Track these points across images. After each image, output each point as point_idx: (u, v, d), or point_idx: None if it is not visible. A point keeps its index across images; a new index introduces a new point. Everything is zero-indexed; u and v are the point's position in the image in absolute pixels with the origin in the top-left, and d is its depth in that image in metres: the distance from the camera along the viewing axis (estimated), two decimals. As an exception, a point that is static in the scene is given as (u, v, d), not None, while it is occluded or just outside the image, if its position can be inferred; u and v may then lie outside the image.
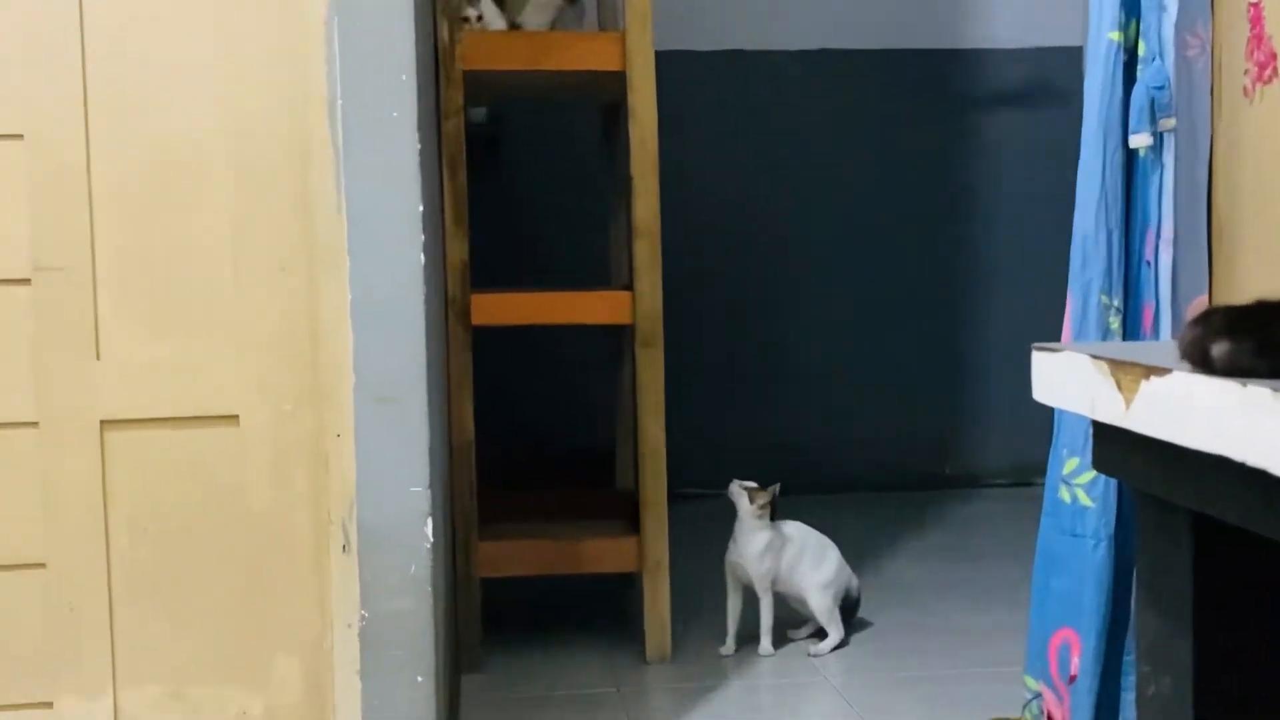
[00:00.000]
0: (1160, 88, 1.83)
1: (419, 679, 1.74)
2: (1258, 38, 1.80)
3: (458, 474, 2.55)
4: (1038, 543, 1.98)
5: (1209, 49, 1.87)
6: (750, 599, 2.66)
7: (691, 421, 3.58)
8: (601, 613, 2.95)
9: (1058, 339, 1.91)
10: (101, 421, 1.72)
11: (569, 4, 2.72)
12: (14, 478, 1.71)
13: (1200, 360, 0.78)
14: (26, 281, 1.70)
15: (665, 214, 2.59)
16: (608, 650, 2.69)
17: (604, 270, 3.16)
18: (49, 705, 1.73)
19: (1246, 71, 1.82)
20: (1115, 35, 1.86)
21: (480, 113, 3.66)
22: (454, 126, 2.52)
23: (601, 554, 2.64)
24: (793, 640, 2.73)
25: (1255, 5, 1.79)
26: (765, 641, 2.65)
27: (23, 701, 1.72)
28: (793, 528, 2.70)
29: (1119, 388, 0.85)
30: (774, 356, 4.29)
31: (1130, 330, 1.90)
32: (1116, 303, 1.88)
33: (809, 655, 2.65)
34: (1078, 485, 1.91)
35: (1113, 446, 0.96)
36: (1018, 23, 4.29)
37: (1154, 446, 0.83)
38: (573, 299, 2.65)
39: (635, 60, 2.52)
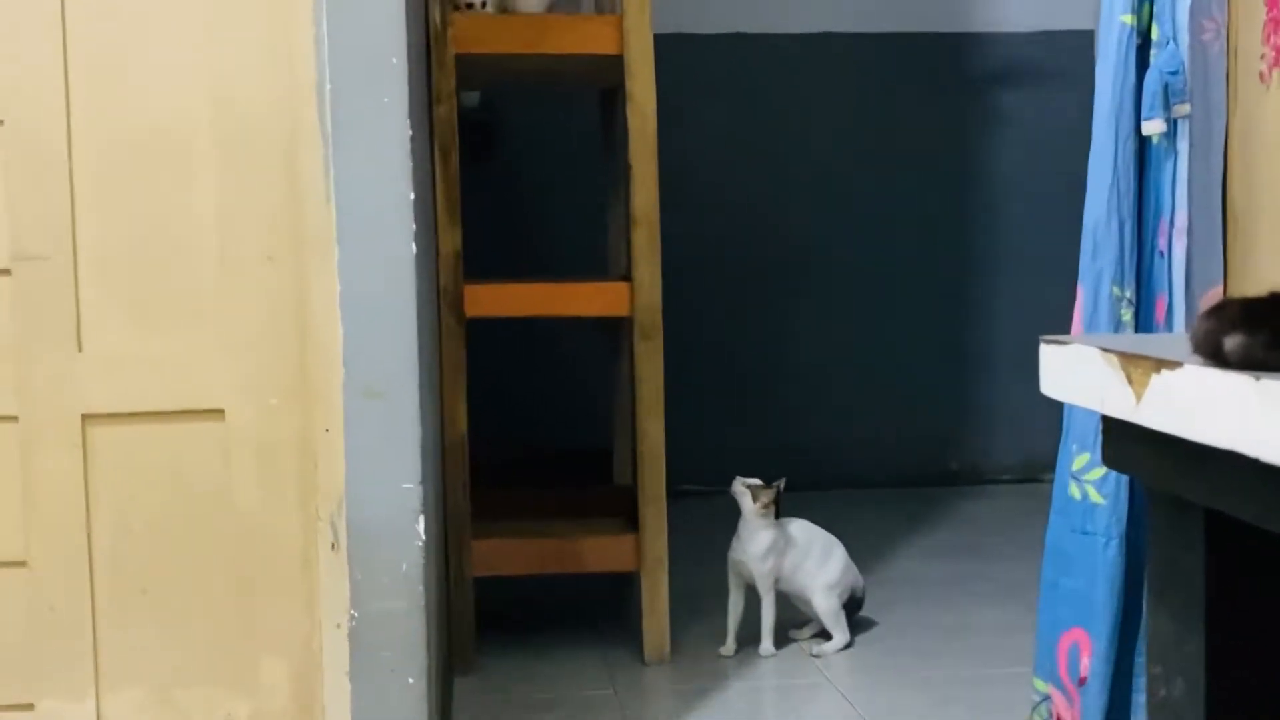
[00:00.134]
0: (1174, 73, 1.80)
1: (410, 681, 1.72)
2: (1275, 21, 1.76)
3: (450, 470, 2.52)
4: (1046, 541, 1.96)
5: (1224, 33, 1.84)
6: (752, 599, 2.63)
7: (692, 417, 3.55)
8: (598, 613, 2.92)
9: (1067, 331, 1.87)
10: (83, 416, 1.70)
11: (565, -15, 2.69)
12: (-8, 474, 1.68)
13: (1213, 353, 0.77)
14: (6, 272, 1.69)
15: (664, 203, 2.56)
16: (605, 651, 2.67)
17: (601, 261, 3.13)
18: (30, 707, 1.71)
19: (1263, 56, 1.79)
20: (1128, 18, 1.84)
21: (473, 98, 3.63)
22: (446, 112, 2.48)
23: (599, 552, 2.61)
24: (795, 640, 2.70)
25: (1272, -13, 1.75)
26: (767, 642, 2.62)
27: (2, 703, 1.71)
28: (798, 527, 2.67)
29: (1130, 381, 0.84)
30: (777, 349, 4.26)
31: (1142, 322, 1.87)
32: (1128, 294, 1.86)
33: (811, 655, 2.61)
34: (1088, 482, 1.89)
35: (1123, 442, 0.95)
36: (1027, 5, 4.25)
37: (1166, 442, 0.82)
38: (569, 290, 2.61)
39: (633, 43, 2.49)
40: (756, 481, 2.61)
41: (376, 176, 1.69)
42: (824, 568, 2.64)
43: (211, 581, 1.72)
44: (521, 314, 2.65)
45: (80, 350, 1.69)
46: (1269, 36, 1.78)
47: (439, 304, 2.50)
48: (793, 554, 2.63)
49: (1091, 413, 1.77)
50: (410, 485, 1.71)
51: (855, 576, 2.70)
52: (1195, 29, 1.83)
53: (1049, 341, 0.97)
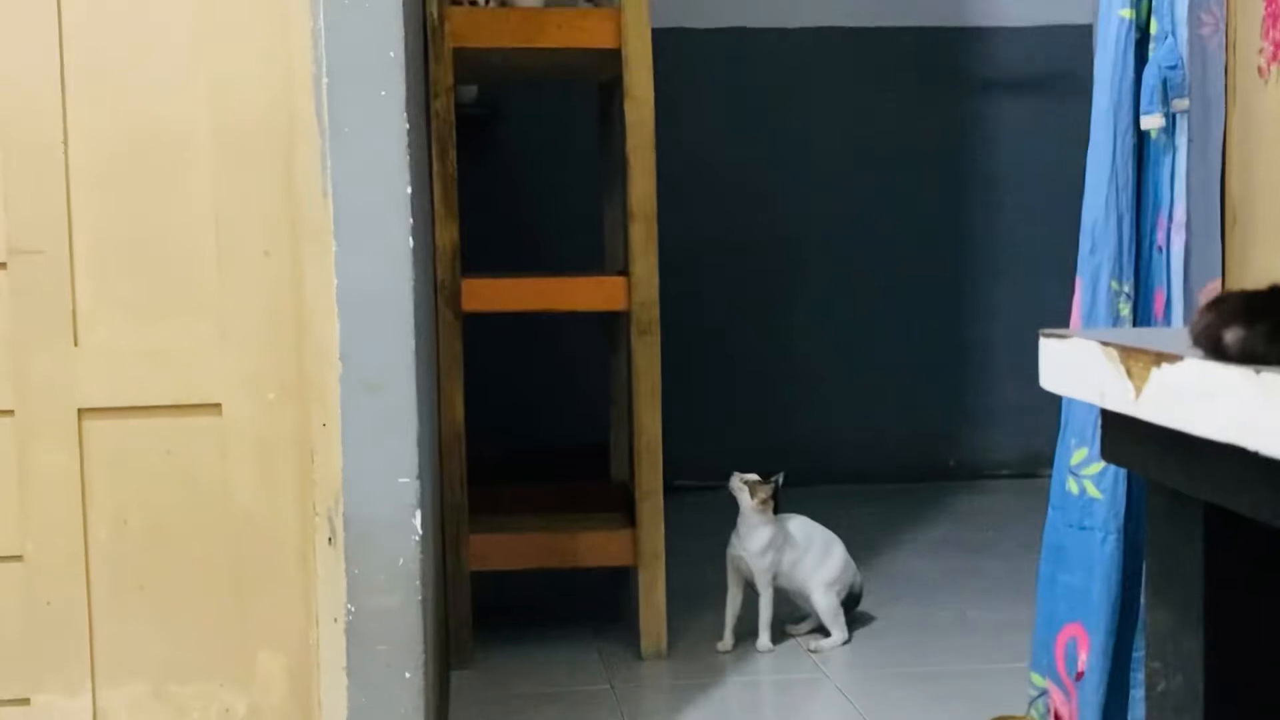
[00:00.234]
0: (1173, 67, 1.80)
1: (407, 675, 1.71)
2: (1273, 15, 1.76)
3: (447, 465, 2.52)
4: (1044, 536, 1.95)
5: (1223, 27, 1.84)
6: (750, 594, 2.62)
7: (689, 411, 3.54)
8: (595, 608, 2.92)
9: (1066, 326, 1.87)
10: (80, 410, 1.70)
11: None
12: (-11, 468, 1.68)
13: (1213, 347, 0.76)
14: (2, 265, 1.68)
15: (662, 197, 2.55)
16: (602, 646, 2.66)
17: (599, 255, 3.12)
18: (26, 702, 1.70)
19: (1261, 50, 1.78)
20: (1127, 12, 1.83)
21: (471, 92, 3.62)
22: (443, 106, 2.48)
23: (596, 547, 2.60)
24: (792, 636, 2.69)
25: (1271, -19, 1.75)
26: (764, 637, 2.62)
27: (-1, 698, 1.69)
28: (798, 524, 2.66)
29: (1128, 375, 0.83)
30: (775, 344, 4.25)
31: (1141, 316, 1.87)
32: (1127, 288, 1.85)
33: (809, 650, 2.61)
34: (1086, 477, 1.88)
35: (1122, 436, 0.95)
36: (1027, 0, 4.23)
37: (1164, 436, 0.82)
38: (566, 285, 2.61)
39: (632, 37, 2.48)
40: (754, 477, 2.60)
41: (374, 171, 1.68)
42: (823, 565, 2.64)
43: (208, 576, 1.72)
44: (519, 309, 2.64)
45: (76, 344, 1.68)
46: (1268, 31, 1.77)
47: (436, 298, 2.50)
48: (791, 551, 2.62)
49: (1089, 407, 1.76)
50: (407, 480, 1.70)
51: (854, 573, 2.70)
52: (1194, 23, 1.82)
53: (1048, 335, 0.96)
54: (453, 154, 2.50)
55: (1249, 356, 0.73)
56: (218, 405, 1.71)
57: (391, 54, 1.68)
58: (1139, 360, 0.82)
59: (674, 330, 2.76)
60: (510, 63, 2.75)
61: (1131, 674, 1.90)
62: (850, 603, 2.69)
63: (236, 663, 1.72)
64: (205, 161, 1.69)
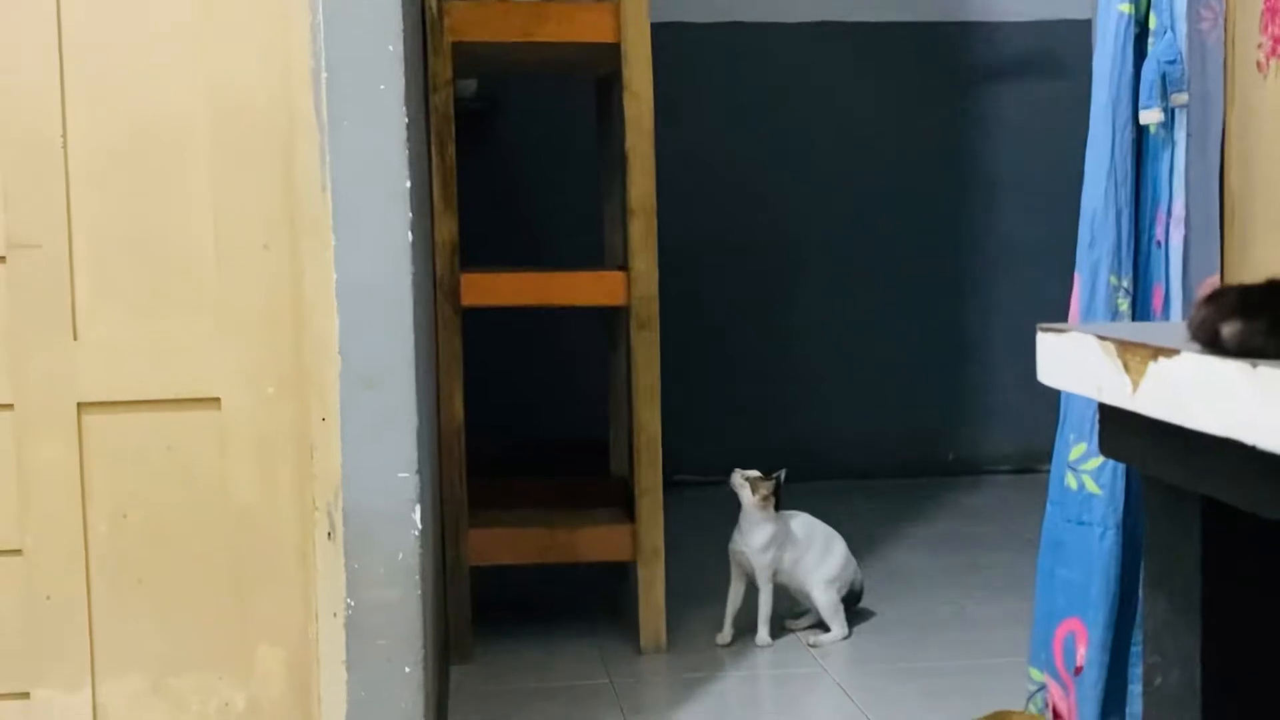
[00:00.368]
0: (1172, 62, 1.80)
1: (406, 670, 1.71)
2: (1272, 10, 1.76)
3: (447, 459, 2.52)
4: (1043, 531, 1.95)
5: (1222, 22, 1.84)
6: (751, 589, 2.62)
7: (688, 406, 3.54)
8: (595, 602, 2.92)
9: (1064, 320, 1.87)
10: (79, 404, 1.70)
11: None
12: (-12, 462, 1.68)
13: (1210, 341, 0.76)
14: (1, 260, 1.67)
15: (661, 192, 2.55)
16: (601, 640, 2.66)
17: (598, 250, 3.12)
18: (25, 696, 1.70)
19: (1260, 45, 1.78)
20: (1126, 7, 1.83)
21: (470, 86, 3.61)
22: (442, 100, 2.47)
23: (595, 542, 2.60)
24: (791, 631, 2.69)
25: (1270, -24, 1.75)
26: (763, 631, 2.62)
27: (-2, 692, 1.69)
28: (799, 521, 2.66)
29: (1126, 369, 0.83)
30: (774, 340, 4.25)
31: (1139, 311, 1.87)
32: (1125, 283, 1.85)
33: (808, 645, 2.61)
34: (1084, 472, 1.88)
35: (1120, 430, 0.94)
36: (1026, -5, 4.24)
37: (1162, 430, 0.82)
38: (566, 279, 2.61)
39: (631, 32, 2.48)
40: (755, 473, 2.60)
41: (373, 165, 1.68)
42: (824, 562, 2.64)
43: (208, 570, 1.71)
44: (518, 303, 2.64)
45: (76, 338, 1.68)
46: (1266, 26, 1.77)
47: (435, 293, 2.49)
48: (793, 548, 2.62)
49: (1088, 403, 1.76)
50: (406, 474, 1.70)
51: (855, 571, 2.70)
52: (1193, 18, 1.82)
53: (1046, 329, 0.96)
54: (451, 148, 2.50)
55: (1246, 350, 0.74)
56: (217, 400, 1.70)
57: (390, 48, 1.67)
58: (1136, 354, 0.82)
59: (674, 327, 2.76)
60: (509, 57, 2.74)
61: (1130, 669, 1.90)
62: (851, 600, 2.69)
63: (236, 657, 1.72)
64: (204, 156, 1.68)
